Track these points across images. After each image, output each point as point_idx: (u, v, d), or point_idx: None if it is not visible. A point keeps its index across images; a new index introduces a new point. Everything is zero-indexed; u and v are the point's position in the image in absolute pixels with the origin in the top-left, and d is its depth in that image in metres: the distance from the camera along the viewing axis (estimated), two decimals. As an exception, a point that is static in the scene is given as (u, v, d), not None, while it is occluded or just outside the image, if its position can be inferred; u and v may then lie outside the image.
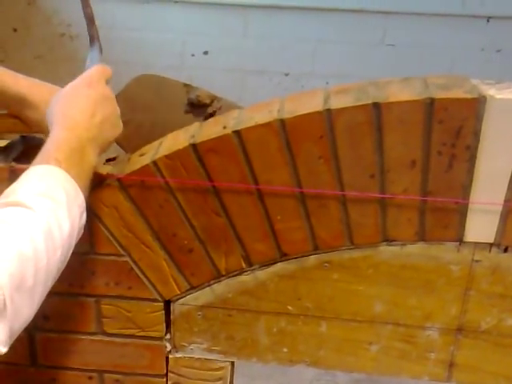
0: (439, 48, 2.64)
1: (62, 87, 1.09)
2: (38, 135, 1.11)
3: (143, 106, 1.14)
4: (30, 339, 1.18)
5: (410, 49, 2.67)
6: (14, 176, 1.05)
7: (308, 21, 2.69)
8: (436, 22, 2.62)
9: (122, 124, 1.01)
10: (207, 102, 1.12)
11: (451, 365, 1.11)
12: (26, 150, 1.12)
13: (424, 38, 2.65)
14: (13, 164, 1.07)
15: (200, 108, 1.12)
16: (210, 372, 1.19)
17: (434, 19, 2.61)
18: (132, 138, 1.14)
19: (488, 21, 2.59)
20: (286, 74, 2.81)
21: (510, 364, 1.10)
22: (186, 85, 1.14)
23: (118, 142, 1.16)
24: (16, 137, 1.14)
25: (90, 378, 1.21)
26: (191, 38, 2.77)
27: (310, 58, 2.76)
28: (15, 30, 2.79)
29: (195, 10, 2.72)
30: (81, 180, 0.90)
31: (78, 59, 2.80)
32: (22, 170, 1.04)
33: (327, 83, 2.69)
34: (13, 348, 1.12)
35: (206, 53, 2.79)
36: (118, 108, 1.02)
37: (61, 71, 2.76)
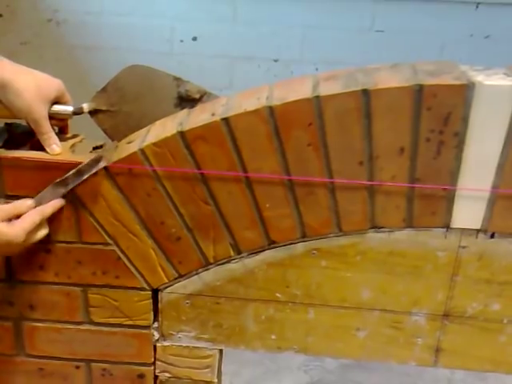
0: (428, 34, 2.63)
1: (48, 73, 1.09)
2: (23, 122, 1.10)
3: (132, 97, 1.13)
4: (16, 329, 1.18)
5: (399, 35, 2.66)
6: (-2, 164, 1.05)
7: (297, 7, 2.68)
8: (425, 8, 2.61)
9: None
10: (196, 96, 1.12)
11: (438, 350, 1.12)
12: (11, 137, 1.11)
13: (413, 24, 2.64)
14: (-2, 152, 1.05)
15: (189, 102, 1.11)
16: (198, 360, 1.19)
17: (423, 5, 2.60)
18: (120, 127, 1.13)
19: (477, 7, 2.59)
20: (276, 60, 2.79)
21: (495, 349, 1.11)
22: (176, 78, 1.13)
23: (106, 130, 1.15)
24: (1, 124, 1.12)
25: (77, 367, 1.21)
26: (180, 23, 2.75)
27: (299, 44, 2.75)
28: (1, 16, 2.76)
29: (184, -5, 2.71)
30: None
31: (64, 45, 2.79)
32: (8, 158, 1.04)
33: (317, 69, 2.68)
34: (0, 338, 1.12)
35: (194, 39, 2.77)
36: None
37: (47, 57, 2.73)
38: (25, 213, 1.01)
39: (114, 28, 2.75)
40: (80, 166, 1.04)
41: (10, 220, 1.00)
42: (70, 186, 1.05)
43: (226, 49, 2.77)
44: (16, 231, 0.99)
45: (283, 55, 2.78)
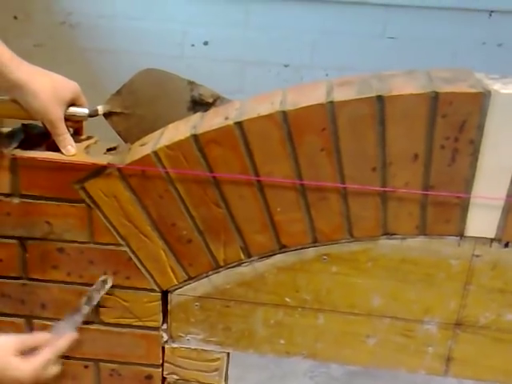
0: (440, 41, 2.63)
1: (62, 75, 1.09)
2: (39, 124, 1.11)
3: (146, 100, 1.14)
4: (27, 327, 1.18)
5: (410, 42, 2.65)
6: (15, 164, 1.06)
7: (309, 12, 2.68)
8: (437, 16, 2.60)
9: None
10: (210, 100, 1.12)
11: (449, 359, 1.11)
12: (28, 138, 1.12)
13: (425, 31, 2.64)
14: (14, 152, 1.06)
15: (202, 106, 1.12)
16: (206, 363, 1.19)
17: (435, 12, 2.60)
18: (133, 130, 1.14)
19: (490, 15, 2.58)
20: (286, 66, 2.79)
21: (508, 359, 1.10)
22: (190, 82, 1.14)
23: (120, 133, 1.16)
24: (17, 125, 1.13)
25: (86, 366, 1.21)
26: (192, 28, 2.76)
27: (310, 49, 2.75)
28: (15, 18, 2.77)
29: (196, 0, 2.71)
30: None
31: (77, 48, 2.80)
32: (23, 158, 1.05)
33: (327, 75, 2.67)
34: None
35: (206, 43, 2.78)
36: None
37: (60, 59, 2.74)
38: (42, 346, 1.01)
39: (126, 31, 2.76)
40: (88, 291, 1.09)
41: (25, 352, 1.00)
42: (85, 312, 1.08)
43: (237, 53, 2.78)
44: (27, 371, 0.98)
45: (294, 60, 2.78)
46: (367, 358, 1.13)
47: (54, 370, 1.04)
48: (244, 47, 2.76)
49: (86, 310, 1.09)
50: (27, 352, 1.00)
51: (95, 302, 1.10)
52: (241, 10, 2.71)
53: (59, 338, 1.04)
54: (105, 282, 1.11)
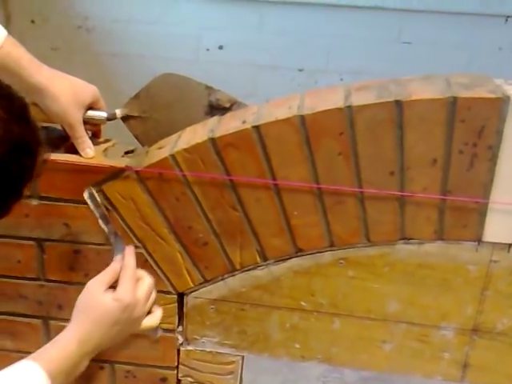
0: (456, 46, 2.62)
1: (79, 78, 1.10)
2: (58, 126, 1.11)
3: (164, 104, 1.15)
4: (45, 328, 1.19)
5: (426, 47, 2.64)
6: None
7: (323, 17, 2.68)
8: (453, 21, 2.59)
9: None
10: (227, 105, 1.13)
11: (465, 365, 1.10)
12: (47, 140, 1.12)
13: (441, 36, 2.63)
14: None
15: (219, 111, 1.12)
16: (221, 366, 1.19)
17: (451, 17, 2.59)
18: (150, 134, 1.15)
19: (506, 20, 2.57)
20: (300, 70, 2.79)
21: (526, 366, 1.09)
22: (207, 87, 1.15)
23: (137, 136, 1.16)
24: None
25: (102, 368, 1.21)
26: (206, 32, 2.76)
27: (324, 54, 2.75)
28: (33, 22, 2.79)
29: (211, 4, 2.72)
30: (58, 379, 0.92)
31: (93, 52, 2.82)
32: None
33: (341, 79, 2.67)
34: (28, 337, 1.13)
35: (220, 47, 2.79)
36: (138, 327, 1.04)
37: (76, 63, 2.76)
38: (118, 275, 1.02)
39: (141, 36, 2.77)
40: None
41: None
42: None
43: (252, 58, 2.78)
44: (121, 293, 1.00)
45: (308, 65, 2.78)
46: (383, 364, 1.13)
47: (148, 283, 1.04)
48: (258, 51, 2.76)
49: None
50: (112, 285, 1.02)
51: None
52: (255, 14, 2.72)
53: (124, 259, 1.04)
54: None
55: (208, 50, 2.79)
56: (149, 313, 1.06)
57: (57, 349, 0.94)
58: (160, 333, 1.16)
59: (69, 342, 0.95)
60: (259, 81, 2.81)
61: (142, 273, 1.05)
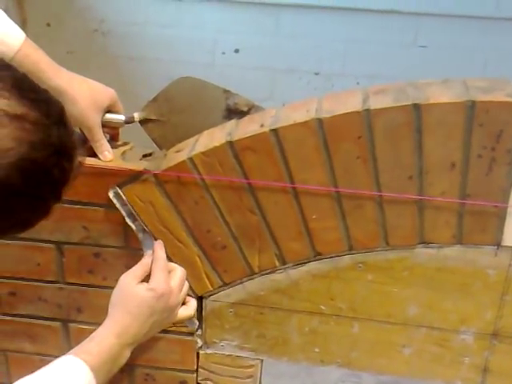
0: (472, 50, 2.61)
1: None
2: (76, 129, 1.12)
3: (182, 108, 1.15)
4: (64, 331, 1.20)
5: (442, 50, 2.64)
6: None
7: (340, 21, 2.68)
8: (469, 24, 2.58)
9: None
10: (245, 109, 1.13)
11: (485, 370, 1.10)
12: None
13: (457, 40, 2.62)
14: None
15: (237, 115, 1.13)
16: (241, 369, 1.19)
17: (467, 21, 2.58)
18: (168, 137, 1.15)
19: (522, 23, 2.56)
20: (317, 74, 2.79)
21: (546, 371, 1.09)
22: (225, 91, 1.15)
23: (155, 139, 1.17)
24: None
25: (122, 371, 1.21)
26: (222, 35, 2.77)
27: (340, 57, 2.74)
28: (49, 25, 2.81)
29: (227, 8, 2.72)
30: (105, 379, 0.95)
31: (109, 55, 2.83)
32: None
33: (358, 83, 2.67)
34: (47, 339, 1.14)
35: (236, 51, 2.79)
36: (174, 317, 1.07)
37: (92, 67, 2.77)
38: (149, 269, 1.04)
39: (157, 39, 2.78)
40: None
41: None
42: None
43: (268, 61, 2.78)
44: (154, 283, 1.02)
45: (324, 68, 2.78)
46: (402, 368, 1.13)
47: (180, 274, 1.06)
48: (275, 55, 2.77)
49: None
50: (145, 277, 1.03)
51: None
52: (272, 17, 2.72)
53: (154, 253, 1.06)
54: None
55: (224, 53, 2.80)
56: (183, 304, 1.08)
57: (96, 343, 0.95)
58: (197, 324, 1.16)
59: (107, 336, 0.96)
60: (275, 84, 2.81)
61: (174, 265, 1.07)
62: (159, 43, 2.79)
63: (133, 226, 1.09)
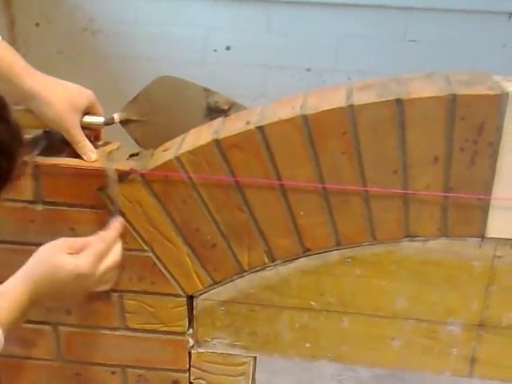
0: (461, 44, 2.62)
1: (83, 82, 1.10)
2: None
3: (162, 107, 1.15)
4: (54, 334, 1.19)
5: (431, 45, 2.65)
6: (37, 171, 1.07)
7: (330, 16, 2.68)
8: (458, 18, 2.60)
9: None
10: (225, 107, 1.13)
11: (473, 360, 1.11)
12: (50, 145, 1.12)
13: (446, 34, 2.63)
14: (36, 159, 1.07)
15: (218, 113, 1.13)
16: (233, 367, 1.19)
17: (455, 15, 2.59)
18: (150, 137, 1.15)
19: (510, 17, 2.57)
20: (308, 70, 2.80)
21: (532, 360, 1.09)
22: (205, 89, 1.15)
23: (136, 140, 1.17)
24: (40, 132, 1.15)
25: (113, 372, 1.22)
26: (213, 33, 2.77)
27: (332, 53, 2.75)
28: (37, 25, 2.80)
29: (218, 5, 2.72)
30: (9, 328, 0.92)
31: (99, 54, 2.83)
32: (46, 165, 1.06)
33: (349, 79, 2.68)
34: (37, 343, 1.14)
35: (228, 48, 2.79)
36: (83, 296, 1.04)
37: (82, 66, 2.77)
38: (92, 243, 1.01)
39: (147, 37, 2.78)
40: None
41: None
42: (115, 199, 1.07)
43: (259, 58, 2.79)
44: (83, 264, 0.98)
45: (316, 65, 2.79)
46: (393, 361, 1.14)
47: (111, 258, 1.02)
48: (266, 52, 2.77)
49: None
50: (78, 252, 0.99)
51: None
52: (263, 14, 2.73)
53: (104, 231, 1.03)
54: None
55: (215, 51, 2.80)
56: None
57: (9, 301, 0.92)
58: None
59: (22, 292, 0.94)
60: (268, 81, 2.82)
61: (116, 250, 1.03)
62: (149, 41, 2.79)
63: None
